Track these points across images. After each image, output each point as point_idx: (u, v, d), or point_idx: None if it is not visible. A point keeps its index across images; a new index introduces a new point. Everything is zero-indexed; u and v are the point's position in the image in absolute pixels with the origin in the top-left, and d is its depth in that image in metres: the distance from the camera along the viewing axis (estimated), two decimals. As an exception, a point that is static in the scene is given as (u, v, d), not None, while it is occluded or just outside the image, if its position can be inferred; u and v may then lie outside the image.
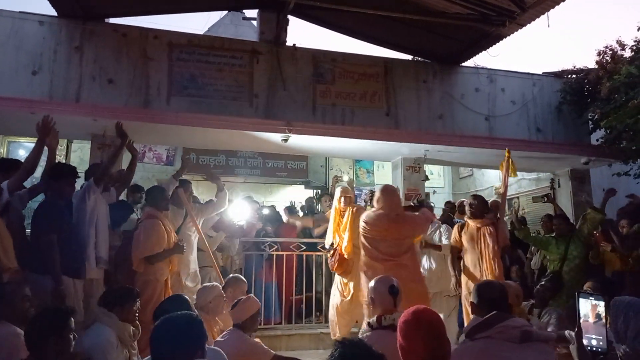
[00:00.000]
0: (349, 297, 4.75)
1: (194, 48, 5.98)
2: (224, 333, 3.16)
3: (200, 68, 5.94)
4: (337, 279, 4.99)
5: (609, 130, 5.89)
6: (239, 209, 6.07)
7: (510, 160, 4.85)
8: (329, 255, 5.10)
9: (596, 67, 6.33)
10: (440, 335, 1.78)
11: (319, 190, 9.50)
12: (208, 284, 3.93)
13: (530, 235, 5.46)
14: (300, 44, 6.34)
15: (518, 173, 8.17)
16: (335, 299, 4.90)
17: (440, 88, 6.66)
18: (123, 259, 4.13)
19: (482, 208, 4.58)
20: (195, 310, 2.91)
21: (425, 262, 5.27)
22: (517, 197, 8.21)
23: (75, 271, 3.43)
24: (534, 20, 5.44)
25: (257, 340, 3.42)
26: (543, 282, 4.28)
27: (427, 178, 6.57)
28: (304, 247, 5.86)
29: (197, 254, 4.89)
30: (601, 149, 6.24)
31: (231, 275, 4.46)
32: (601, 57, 6.28)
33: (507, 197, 8.54)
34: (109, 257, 3.92)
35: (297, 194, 10.08)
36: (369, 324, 2.60)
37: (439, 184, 9.61)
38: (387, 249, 3.94)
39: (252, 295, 3.38)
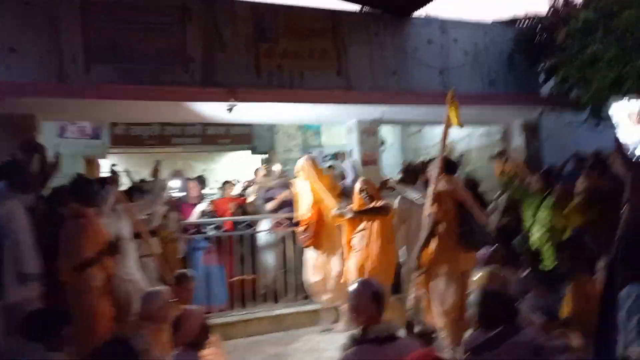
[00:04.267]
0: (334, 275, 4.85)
1: (113, 8, 5.10)
2: (176, 355, 2.72)
3: (123, 31, 5.11)
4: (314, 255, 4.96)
5: (563, 80, 5.75)
6: (173, 181, 5.47)
7: (452, 105, 3.85)
8: (300, 229, 4.96)
9: (548, 13, 6.11)
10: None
11: (267, 156, 8.97)
12: (153, 289, 3.42)
13: (512, 185, 5.18)
14: (237, -3, 5.62)
15: (468, 127, 8.04)
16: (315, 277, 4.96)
17: (392, 41, 6.21)
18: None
19: None
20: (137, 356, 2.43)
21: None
22: (469, 152, 8.12)
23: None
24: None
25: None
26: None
27: (383, 142, 6.24)
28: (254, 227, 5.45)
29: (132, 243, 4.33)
30: (554, 100, 6.14)
31: (177, 271, 3.97)
32: (553, 2, 6.05)
33: (459, 152, 8.47)
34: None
35: (243, 161, 9.51)
36: (352, 336, 2.26)
37: (388, 140, 9.35)
38: None
39: (190, 307, 2.93)
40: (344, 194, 5.06)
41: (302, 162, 5.03)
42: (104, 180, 4.14)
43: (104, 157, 7.90)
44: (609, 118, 5.62)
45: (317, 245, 4.91)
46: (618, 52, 4.81)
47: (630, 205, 1.21)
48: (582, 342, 2.90)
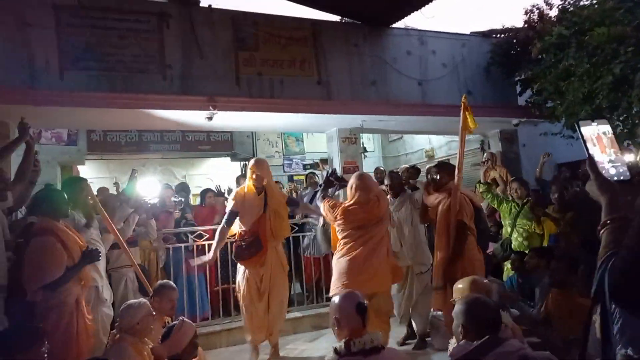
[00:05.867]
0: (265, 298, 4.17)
1: (87, 10, 5.01)
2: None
3: (98, 35, 5.02)
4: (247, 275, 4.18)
5: (538, 92, 5.88)
6: (151, 187, 5.30)
7: (467, 109, 3.97)
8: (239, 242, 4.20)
9: (524, 26, 6.25)
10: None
11: (247, 162, 8.90)
12: (134, 301, 3.33)
13: (491, 192, 5.22)
14: (217, 4, 5.59)
15: (449, 136, 8.16)
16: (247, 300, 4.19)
17: (372, 52, 6.26)
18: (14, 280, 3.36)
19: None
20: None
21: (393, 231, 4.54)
22: (448, 159, 8.22)
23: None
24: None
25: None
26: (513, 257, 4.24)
27: (365, 150, 6.26)
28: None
29: (109, 253, 4.20)
30: (530, 110, 6.27)
31: (159, 282, 3.88)
32: (528, 16, 6.20)
33: (438, 159, 8.57)
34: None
35: (223, 167, 9.41)
36: (335, 350, 2.23)
37: (368, 147, 9.41)
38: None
39: (184, 318, 2.88)
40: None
41: (252, 164, 4.28)
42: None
43: (81, 163, 7.72)
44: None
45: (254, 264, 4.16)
46: (589, 68, 4.94)
47: (610, 229, 1.20)
48: (562, 346, 2.94)
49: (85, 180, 4.09)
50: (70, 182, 4.22)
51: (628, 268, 1.07)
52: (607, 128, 1.29)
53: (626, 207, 1.22)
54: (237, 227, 4.30)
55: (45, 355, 2.60)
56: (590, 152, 1.28)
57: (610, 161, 1.27)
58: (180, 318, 2.88)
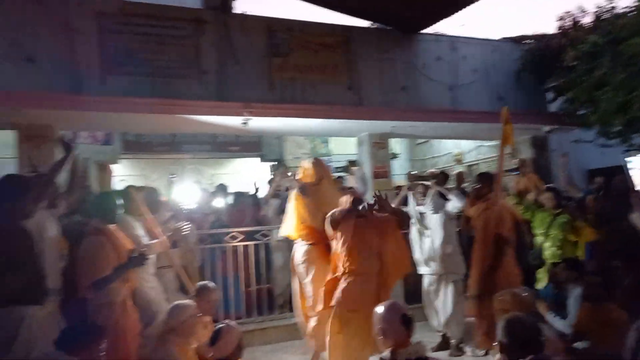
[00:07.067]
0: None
1: (129, 17, 5.18)
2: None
3: (138, 41, 5.19)
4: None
5: (571, 99, 5.84)
6: (188, 192, 5.48)
7: (508, 125, 3.94)
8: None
9: (557, 33, 6.20)
10: None
11: (275, 163, 9.04)
12: (180, 302, 3.47)
13: (523, 203, 5.20)
14: (251, 11, 5.73)
15: (478, 141, 8.12)
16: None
17: (402, 58, 6.30)
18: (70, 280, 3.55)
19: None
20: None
21: (426, 240, 4.64)
22: (477, 164, 8.20)
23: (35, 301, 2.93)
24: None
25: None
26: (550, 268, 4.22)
27: (395, 156, 6.30)
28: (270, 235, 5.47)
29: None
30: (562, 118, 6.22)
31: (200, 283, 4.01)
32: (561, 23, 6.15)
33: (467, 164, 8.55)
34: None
35: (251, 167, 9.57)
36: (381, 359, 2.32)
37: (395, 150, 9.44)
38: None
39: (230, 322, 2.99)
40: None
41: (309, 165, 4.27)
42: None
43: (115, 162, 7.96)
44: (615, 137, 5.74)
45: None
46: (625, 77, 4.89)
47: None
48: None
49: (136, 187, 4.25)
50: (125, 189, 4.38)
51: None
52: None
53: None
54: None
55: (102, 353, 2.76)
56: (637, 187, 1.34)
57: None
58: (226, 321, 3.00)
